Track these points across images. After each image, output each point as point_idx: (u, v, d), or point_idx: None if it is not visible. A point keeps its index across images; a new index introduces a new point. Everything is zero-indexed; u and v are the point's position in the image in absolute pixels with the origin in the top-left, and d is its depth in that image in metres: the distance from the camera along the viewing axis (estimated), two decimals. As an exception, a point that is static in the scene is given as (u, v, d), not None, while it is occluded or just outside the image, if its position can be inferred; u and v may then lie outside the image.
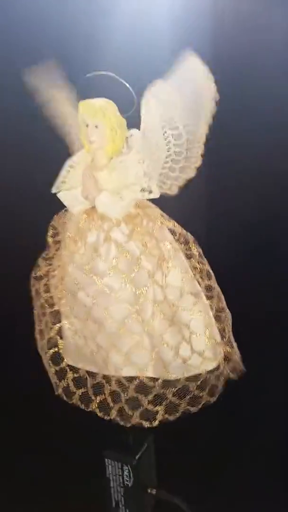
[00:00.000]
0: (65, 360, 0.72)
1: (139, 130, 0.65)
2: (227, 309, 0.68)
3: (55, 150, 0.71)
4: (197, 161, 0.65)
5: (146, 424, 0.64)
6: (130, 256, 0.62)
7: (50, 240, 0.72)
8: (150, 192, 0.62)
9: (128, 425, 0.65)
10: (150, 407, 0.65)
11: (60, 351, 0.70)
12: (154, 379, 0.65)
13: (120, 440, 0.80)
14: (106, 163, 0.65)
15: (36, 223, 0.71)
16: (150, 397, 0.65)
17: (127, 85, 0.62)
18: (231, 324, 0.68)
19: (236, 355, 0.68)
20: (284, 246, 1.06)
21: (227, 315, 0.68)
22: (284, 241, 1.06)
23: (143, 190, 0.62)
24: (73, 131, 0.70)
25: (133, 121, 0.65)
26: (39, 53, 0.70)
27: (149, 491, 0.80)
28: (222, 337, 0.67)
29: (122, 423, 0.65)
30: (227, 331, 0.67)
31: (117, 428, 0.76)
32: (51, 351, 0.71)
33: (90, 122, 0.63)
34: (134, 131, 0.65)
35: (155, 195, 0.62)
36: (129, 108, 0.64)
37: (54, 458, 0.93)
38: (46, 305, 0.71)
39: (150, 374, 0.63)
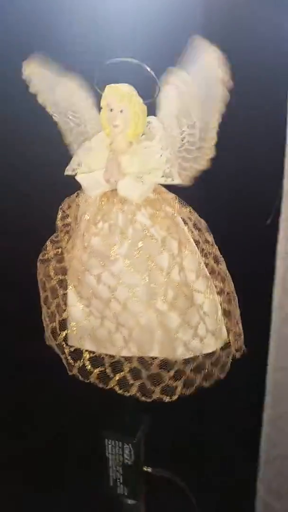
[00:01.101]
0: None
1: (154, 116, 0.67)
2: (235, 292, 0.72)
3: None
4: (211, 152, 0.68)
5: (166, 398, 0.67)
6: (155, 239, 0.64)
7: (59, 223, 0.72)
8: (172, 178, 0.64)
9: (149, 400, 0.68)
10: (170, 382, 0.68)
11: (74, 332, 0.70)
12: None
13: (116, 420, 0.82)
14: (125, 148, 0.66)
15: (43, 206, 0.71)
16: (172, 372, 0.67)
17: (152, 72, 0.63)
18: (238, 306, 0.73)
19: (242, 336, 0.73)
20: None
21: (235, 297, 0.72)
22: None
23: (164, 175, 0.64)
24: (74, 118, 0.70)
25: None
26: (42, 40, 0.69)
27: (145, 469, 0.83)
28: (232, 317, 0.71)
29: (143, 398, 0.68)
30: (236, 312, 0.72)
31: (113, 409, 0.78)
32: (64, 332, 0.71)
33: (116, 106, 0.64)
34: (152, 118, 0.67)
35: (176, 181, 0.65)
36: (147, 94, 0.65)
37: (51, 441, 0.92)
38: (58, 287, 0.71)
39: (177, 354, 0.66)
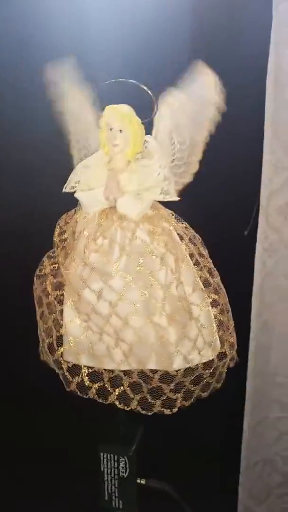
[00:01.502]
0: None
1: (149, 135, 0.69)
2: (228, 303, 0.75)
3: (60, 151, 0.72)
4: (195, 167, 0.71)
5: (167, 411, 0.69)
6: (155, 255, 0.66)
7: (56, 239, 0.73)
8: (170, 195, 0.67)
9: (150, 413, 0.69)
10: (171, 395, 0.69)
11: (72, 348, 0.71)
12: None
13: (111, 434, 0.82)
14: (124, 166, 0.68)
15: (39, 223, 0.71)
16: (172, 385, 0.69)
17: (149, 92, 0.66)
18: (231, 317, 0.75)
19: (235, 346, 0.75)
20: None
21: (229, 308, 0.75)
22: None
23: (163, 192, 0.66)
24: (79, 131, 0.72)
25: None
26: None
27: (139, 481, 0.84)
28: (227, 328, 0.74)
29: (143, 412, 0.69)
30: (230, 323, 0.75)
31: (107, 423, 0.79)
32: (62, 348, 0.71)
33: (116, 126, 0.66)
34: (149, 137, 0.69)
35: (174, 197, 0.67)
36: (143, 114, 0.68)
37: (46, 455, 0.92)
38: (56, 303, 0.71)
39: (177, 366, 0.68)
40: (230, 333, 0.74)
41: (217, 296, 0.72)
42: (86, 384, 0.70)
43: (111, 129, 0.66)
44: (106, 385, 0.70)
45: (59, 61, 0.66)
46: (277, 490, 1.25)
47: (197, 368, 0.70)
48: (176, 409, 0.69)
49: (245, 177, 1.10)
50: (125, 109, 0.66)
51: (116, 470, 0.81)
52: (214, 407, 1.09)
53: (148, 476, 0.88)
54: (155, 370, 0.68)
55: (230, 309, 0.75)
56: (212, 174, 0.92)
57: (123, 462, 0.80)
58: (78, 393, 0.71)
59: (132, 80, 0.65)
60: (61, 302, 0.71)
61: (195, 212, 0.87)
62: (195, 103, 0.67)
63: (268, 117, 1.05)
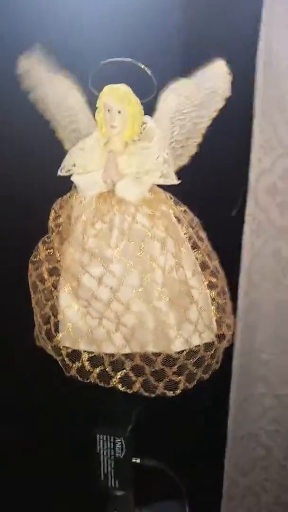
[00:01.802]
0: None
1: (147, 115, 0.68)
2: (226, 286, 0.76)
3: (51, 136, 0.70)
4: (193, 150, 0.71)
5: (169, 393, 0.69)
6: (157, 240, 0.65)
7: (52, 224, 0.71)
8: (169, 178, 0.66)
9: (153, 395, 0.69)
10: (173, 377, 0.70)
11: (70, 334, 0.70)
12: (179, 352, 0.70)
13: (107, 415, 0.83)
14: (122, 148, 0.66)
15: (34, 206, 0.69)
16: (175, 368, 0.69)
17: (149, 71, 0.64)
18: (229, 298, 0.76)
19: (232, 327, 0.76)
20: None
21: (227, 290, 0.76)
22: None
23: (163, 176, 0.65)
24: (64, 116, 0.70)
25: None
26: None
27: (133, 460, 0.86)
28: (224, 310, 0.75)
29: (146, 394, 0.69)
30: (228, 305, 0.75)
31: (103, 405, 0.80)
32: (60, 334, 0.70)
33: (114, 107, 0.64)
34: (147, 118, 0.67)
35: (174, 181, 0.66)
36: (141, 94, 0.66)
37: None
38: (53, 289, 0.70)
39: (176, 348, 0.68)
40: (227, 315, 0.75)
41: (215, 279, 0.73)
42: (87, 369, 0.70)
43: (109, 110, 0.64)
44: (107, 369, 0.70)
45: (29, 51, 0.64)
46: (260, 462, 1.30)
47: (199, 351, 0.70)
48: (179, 391, 0.69)
49: (233, 158, 1.09)
50: (124, 89, 0.64)
51: (112, 451, 0.82)
52: (202, 385, 1.12)
53: (140, 455, 0.89)
54: (158, 353, 0.68)
55: (228, 291, 0.75)
56: (201, 155, 0.92)
57: (119, 443, 0.81)
58: (79, 377, 0.70)
59: (129, 59, 0.63)
60: (57, 288, 0.70)
61: (184, 193, 0.87)
62: (203, 93, 0.67)
63: (257, 97, 1.04)
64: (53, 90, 0.69)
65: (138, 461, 0.86)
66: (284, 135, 1.06)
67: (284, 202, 1.10)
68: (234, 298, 1.15)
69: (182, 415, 1.22)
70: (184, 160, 0.71)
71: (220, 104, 0.68)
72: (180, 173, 0.93)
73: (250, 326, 1.21)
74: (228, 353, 1.15)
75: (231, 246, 1.14)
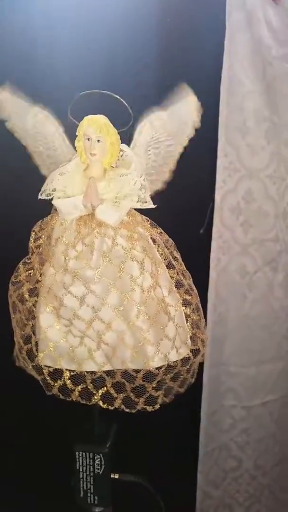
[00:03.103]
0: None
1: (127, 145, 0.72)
2: (199, 302, 0.80)
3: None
4: (167, 176, 0.76)
5: (149, 408, 0.72)
6: (136, 261, 0.69)
7: (32, 245, 0.74)
8: (146, 202, 0.70)
9: (134, 411, 0.72)
10: (153, 392, 0.73)
11: (53, 353, 0.72)
12: (158, 368, 0.73)
13: (86, 432, 0.85)
14: (101, 174, 0.70)
15: (15, 228, 0.72)
16: (154, 383, 0.72)
17: (125, 103, 0.68)
18: (202, 315, 0.80)
19: (206, 342, 0.81)
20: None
21: (200, 308, 0.80)
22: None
23: (140, 200, 0.69)
24: (40, 144, 0.74)
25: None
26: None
27: (112, 476, 0.88)
28: (198, 326, 0.79)
29: (127, 410, 0.72)
30: (202, 321, 0.79)
31: (81, 422, 0.81)
32: (42, 353, 0.72)
33: (94, 136, 0.68)
34: (124, 146, 0.72)
35: (150, 205, 0.71)
36: (118, 124, 0.71)
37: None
38: (34, 309, 0.72)
39: (155, 364, 0.71)
40: (201, 331, 0.79)
41: (189, 297, 0.77)
42: (69, 387, 0.72)
43: (88, 139, 0.68)
44: (89, 387, 0.72)
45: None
46: (232, 474, 1.34)
47: (176, 366, 0.74)
48: (158, 406, 0.72)
49: (201, 180, 1.15)
50: (103, 120, 0.68)
51: (91, 467, 0.83)
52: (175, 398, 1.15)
53: (116, 470, 0.91)
54: (138, 369, 0.71)
55: (201, 308, 0.79)
56: (172, 178, 0.97)
57: (98, 459, 0.82)
58: (61, 396, 0.72)
59: (106, 91, 0.67)
60: (37, 308, 0.72)
61: (155, 213, 0.91)
62: (175, 121, 0.72)
63: (221, 121, 1.11)
64: (31, 121, 0.72)
65: (116, 476, 0.87)
66: (246, 158, 1.12)
67: (246, 221, 1.16)
68: (203, 312, 1.20)
69: (155, 429, 1.24)
70: (158, 185, 0.76)
71: (191, 133, 0.73)
72: (153, 196, 0.97)
73: (219, 339, 1.25)
74: (199, 365, 1.20)
75: (199, 262, 1.19)
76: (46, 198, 0.70)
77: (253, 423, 1.27)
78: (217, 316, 1.24)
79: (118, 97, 0.68)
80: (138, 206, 0.70)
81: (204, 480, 1.34)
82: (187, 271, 0.78)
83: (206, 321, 1.19)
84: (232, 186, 1.16)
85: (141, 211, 0.79)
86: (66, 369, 0.72)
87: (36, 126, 0.72)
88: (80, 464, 0.83)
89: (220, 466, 1.32)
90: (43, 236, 0.73)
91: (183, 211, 1.18)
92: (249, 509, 1.35)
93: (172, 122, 0.71)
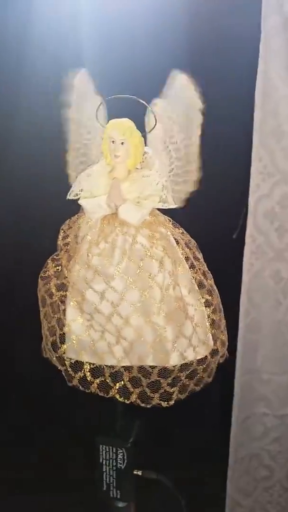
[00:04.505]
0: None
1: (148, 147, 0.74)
2: (220, 303, 0.81)
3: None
4: (195, 175, 0.77)
5: (164, 404, 0.74)
6: (155, 259, 0.71)
7: (60, 243, 0.78)
8: (168, 203, 0.72)
9: (149, 406, 0.74)
10: (168, 388, 0.74)
11: (74, 345, 0.75)
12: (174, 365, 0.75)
13: (109, 427, 0.87)
14: (125, 175, 0.73)
15: (44, 228, 0.76)
16: (169, 380, 0.74)
17: (149, 107, 0.71)
18: (223, 316, 0.81)
19: (226, 343, 0.81)
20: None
21: (221, 308, 0.81)
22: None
23: (161, 201, 0.72)
24: (80, 140, 0.77)
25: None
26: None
27: (135, 472, 0.89)
28: (219, 327, 0.79)
29: (142, 404, 0.74)
30: (222, 322, 0.80)
31: (106, 416, 0.84)
32: (65, 345, 0.75)
33: (118, 139, 0.71)
34: (148, 149, 0.74)
35: (172, 205, 0.72)
36: (142, 127, 0.73)
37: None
38: (59, 303, 0.76)
39: (173, 362, 0.73)
40: (222, 332, 0.79)
41: (210, 297, 0.78)
42: (88, 379, 0.75)
43: (113, 141, 0.71)
44: (107, 380, 0.75)
45: (75, 69, 0.71)
46: (263, 483, 1.31)
47: (192, 364, 0.75)
48: (173, 402, 0.74)
49: (234, 184, 1.15)
50: (127, 123, 0.71)
51: (114, 461, 0.85)
52: (205, 403, 1.15)
53: (143, 468, 0.92)
54: (154, 365, 0.73)
55: (222, 309, 0.80)
56: (204, 181, 0.98)
57: (121, 454, 0.84)
58: (80, 387, 0.75)
59: (132, 96, 0.69)
60: (64, 302, 0.76)
61: (189, 217, 0.93)
62: (178, 108, 0.73)
63: (255, 126, 1.11)
64: (85, 111, 0.76)
65: (139, 473, 0.89)
66: (281, 162, 1.12)
67: (281, 226, 1.15)
68: (235, 318, 1.20)
69: (186, 435, 1.25)
70: (190, 186, 0.77)
71: (199, 118, 0.74)
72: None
73: (251, 345, 1.24)
74: (230, 372, 1.19)
75: (232, 267, 1.19)
76: (74, 198, 0.73)
77: (285, 432, 1.24)
78: (250, 322, 1.23)
79: (144, 102, 0.70)
80: (160, 206, 0.72)
81: (234, 488, 1.32)
82: (209, 272, 0.79)
83: (238, 326, 1.19)
84: (267, 191, 1.15)
85: (171, 214, 0.81)
86: (87, 362, 0.75)
87: (90, 117, 0.75)
88: (104, 457, 0.85)
89: (251, 474, 1.30)
90: (71, 234, 0.77)
91: (216, 215, 1.19)
92: (281, 522, 1.31)
93: (178, 111, 0.73)
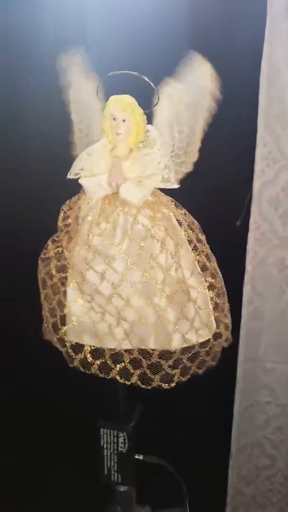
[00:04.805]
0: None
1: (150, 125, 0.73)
2: (224, 287, 0.80)
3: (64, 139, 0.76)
4: (195, 156, 0.76)
5: (165, 386, 0.73)
6: (156, 239, 0.70)
7: (60, 224, 0.77)
8: (170, 182, 0.71)
9: (149, 387, 0.73)
10: (169, 370, 0.73)
11: (75, 327, 0.75)
12: None
13: (110, 410, 0.87)
14: (126, 154, 0.72)
15: (45, 207, 0.75)
16: (170, 362, 0.73)
17: (151, 83, 0.69)
18: (227, 299, 0.80)
19: (230, 327, 0.80)
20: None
21: (224, 291, 0.79)
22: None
23: (163, 180, 0.70)
24: (83, 120, 0.76)
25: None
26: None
27: (136, 456, 0.89)
28: (222, 310, 0.78)
29: (143, 386, 0.73)
30: (226, 305, 0.79)
31: (107, 400, 0.83)
32: (65, 327, 0.75)
33: (119, 116, 0.70)
34: (150, 127, 0.73)
35: (174, 185, 0.71)
36: (146, 105, 0.72)
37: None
38: (60, 284, 0.75)
39: (175, 345, 0.72)
40: (225, 315, 0.78)
41: (213, 280, 0.77)
42: (89, 360, 0.74)
43: (114, 118, 0.70)
44: (107, 361, 0.74)
45: (69, 50, 0.69)
46: (265, 472, 1.31)
47: (194, 346, 0.74)
48: (174, 384, 0.73)
49: (238, 169, 1.14)
50: (128, 100, 0.70)
51: (115, 445, 0.85)
52: (206, 391, 1.14)
53: (144, 452, 0.92)
54: (153, 347, 0.72)
55: (225, 292, 0.79)
56: (208, 166, 0.97)
57: (122, 438, 0.84)
58: (81, 368, 0.74)
59: (134, 72, 0.68)
60: (64, 284, 0.75)
61: (191, 202, 0.92)
62: (192, 92, 0.72)
63: (260, 111, 1.09)
64: (82, 93, 0.75)
65: (141, 457, 0.89)
66: (286, 148, 1.10)
67: (286, 213, 1.13)
68: (238, 305, 1.19)
69: (187, 422, 1.24)
70: (188, 167, 0.76)
71: (209, 103, 0.73)
72: (189, 185, 0.98)
73: (254, 333, 1.23)
74: (233, 360, 1.18)
75: (236, 254, 1.18)
76: (74, 177, 0.72)
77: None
78: (253, 310, 1.22)
79: (146, 78, 0.69)
80: (162, 185, 0.71)
81: (236, 476, 1.32)
82: (212, 255, 0.78)
83: (241, 314, 1.18)
84: (272, 176, 1.13)
85: (175, 198, 0.80)
86: (87, 344, 0.74)
87: (86, 97, 0.74)
88: (105, 441, 0.84)
89: (252, 463, 1.30)
90: (72, 215, 0.76)
91: (220, 201, 1.17)
92: (283, 510, 1.31)
93: (189, 93, 0.71)
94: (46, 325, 0.78)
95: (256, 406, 1.27)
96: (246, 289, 1.20)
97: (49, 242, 0.78)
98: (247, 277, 1.19)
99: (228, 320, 0.78)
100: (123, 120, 0.70)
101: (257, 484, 1.33)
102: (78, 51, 0.72)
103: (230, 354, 1.15)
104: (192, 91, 0.71)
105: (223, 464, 1.25)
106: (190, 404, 1.13)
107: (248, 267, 1.18)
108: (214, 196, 1.14)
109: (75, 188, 0.74)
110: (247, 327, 1.21)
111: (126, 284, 0.69)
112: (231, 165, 1.13)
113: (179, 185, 0.73)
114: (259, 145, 1.11)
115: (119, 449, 0.84)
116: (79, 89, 0.74)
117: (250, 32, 1.03)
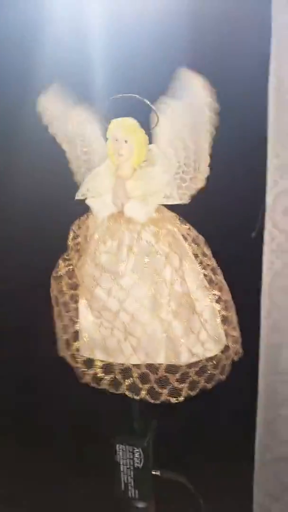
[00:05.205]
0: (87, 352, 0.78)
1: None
2: (231, 300, 0.80)
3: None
4: (205, 171, 0.76)
5: (173, 400, 0.74)
6: (160, 255, 0.71)
7: (70, 243, 0.79)
8: (172, 198, 0.72)
9: (158, 402, 0.74)
10: (176, 384, 0.74)
11: (86, 343, 0.76)
12: None
13: (126, 426, 0.87)
14: (130, 174, 0.74)
15: (54, 228, 0.77)
16: (178, 375, 0.74)
17: (152, 105, 0.71)
18: (235, 312, 0.80)
19: (239, 340, 0.80)
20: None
21: (232, 304, 0.80)
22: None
23: (166, 196, 0.72)
24: (80, 147, 0.78)
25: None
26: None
27: (153, 472, 0.89)
28: (230, 323, 0.78)
29: (152, 400, 0.74)
30: (234, 318, 0.79)
31: (122, 416, 0.84)
32: (77, 343, 0.77)
33: (121, 137, 0.72)
34: (152, 146, 0.75)
35: (176, 201, 0.73)
36: (147, 125, 0.74)
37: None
38: (71, 301, 0.77)
39: (184, 360, 0.73)
40: (233, 328, 0.78)
41: (220, 293, 0.77)
42: (99, 376, 0.75)
43: (116, 140, 0.72)
44: (117, 377, 0.75)
45: (47, 88, 0.72)
46: (293, 488, 1.27)
47: (201, 360, 0.74)
48: (182, 398, 0.73)
49: (251, 181, 1.14)
50: (129, 122, 0.72)
51: (131, 461, 0.85)
52: (227, 405, 1.13)
53: (164, 467, 0.92)
54: (161, 362, 0.73)
55: (233, 305, 0.79)
56: (219, 179, 0.97)
57: (138, 453, 0.84)
58: (92, 384, 0.76)
59: (135, 95, 0.70)
60: (76, 301, 0.77)
61: (204, 216, 0.93)
62: (188, 107, 0.72)
63: (270, 121, 1.10)
64: (72, 123, 0.77)
65: (158, 473, 0.89)
66: (298, 158, 1.10)
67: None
68: (257, 318, 1.18)
69: (208, 437, 1.23)
70: (199, 183, 0.76)
71: (208, 115, 0.72)
72: (200, 197, 0.99)
73: (275, 346, 1.22)
74: (254, 373, 1.17)
75: (252, 268, 1.18)
76: (81, 198, 0.75)
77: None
78: (272, 323, 1.20)
79: (146, 101, 0.71)
80: (165, 202, 0.72)
81: (262, 493, 1.29)
82: (219, 268, 0.79)
83: (259, 327, 1.17)
84: (286, 187, 1.13)
85: (185, 212, 0.81)
86: (98, 359, 0.76)
87: (76, 128, 0.76)
88: (121, 457, 0.85)
89: (278, 478, 1.27)
90: (81, 235, 0.78)
91: (234, 214, 1.17)
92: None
93: (186, 109, 0.71)
94: (59, 342, 0.80)
95: (280, 420, 1.24)
96: (264, 301, 1.18)
97: (60, 261, 0.81)
98: (264, 289, 1.18)
99: (236, 333, 0.78)
100: (125, 141, 0.72)
101: (285, 500, 1.30)
102: (56, 88, 0.74)
103: (251, 368, 1.15)
104: (188, 106, 0.72)
105: (246, 480, 1.22)
106: (211, 419, 1.12)
107: (265, 279, 1.17)
108: (228, 210, 1.13)
109: (84, 208, 0.76)
110: (266, 340, 1.20)
111: (132, 299, 0.71)
112: (243, 177, 1.13)
113: (184, 202, 0.73)
114: (271, 156, 1.11)
115: (135, 464, 0.84)
116: (66, 121, 0.76)
117: (257, 45, 1.04)
